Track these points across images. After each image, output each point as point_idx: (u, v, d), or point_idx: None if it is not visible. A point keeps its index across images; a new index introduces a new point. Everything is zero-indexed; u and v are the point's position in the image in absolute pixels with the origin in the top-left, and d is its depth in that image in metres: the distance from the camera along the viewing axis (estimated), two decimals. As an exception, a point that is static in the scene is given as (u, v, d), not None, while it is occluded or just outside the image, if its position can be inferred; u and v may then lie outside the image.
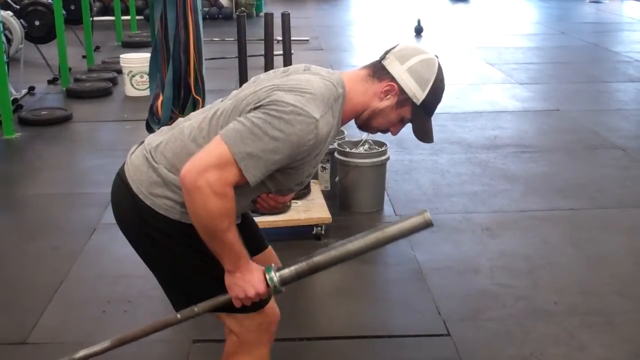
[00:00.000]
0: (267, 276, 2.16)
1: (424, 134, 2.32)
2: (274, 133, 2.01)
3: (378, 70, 2.22)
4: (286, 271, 2.19)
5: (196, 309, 2.21)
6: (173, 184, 2.15)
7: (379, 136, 4.94)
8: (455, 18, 13.95)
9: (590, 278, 3.94)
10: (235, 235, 2.08)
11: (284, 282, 2.19)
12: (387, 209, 4.82)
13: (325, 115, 2.09)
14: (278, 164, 2.06)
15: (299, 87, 2.09)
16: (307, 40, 11.09)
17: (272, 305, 2.36)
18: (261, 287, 2.15)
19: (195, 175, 1.98)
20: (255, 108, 2.06)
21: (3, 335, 3.40)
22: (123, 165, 2.28)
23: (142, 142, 2.31)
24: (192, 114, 2.35)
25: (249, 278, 2.14)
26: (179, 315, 2.24)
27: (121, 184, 2.25)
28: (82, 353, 2.36)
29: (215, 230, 2.04)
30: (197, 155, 2.03)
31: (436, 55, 2.27)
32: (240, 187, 2.09)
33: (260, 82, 2.23)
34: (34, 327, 3.46)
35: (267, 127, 2.01)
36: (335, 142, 4.83)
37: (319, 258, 2.21)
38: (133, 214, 2.22)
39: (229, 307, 2.27)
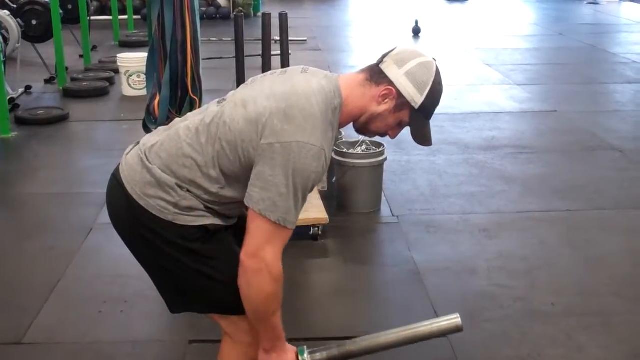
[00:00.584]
0: (300, 358, 2.26)
1: (423, 137, 2.31)
2: (296, 182, 2.05)
3: (376, 74, 2.21)
4: (317, 355, 2.29)
5: None
6: (167, 184, 2.14)
7: (376, 137, 4.93)
8: (453, 19, 13.95)
9: (587, 279, 3.94)
10: (279, 319, 2.18)
11: None
12: (385, 209, 4.81)
13: (327, 136, 2.11)
14: (305, 199, 2.13)
15: (298, 111, 2.07)
16: (305, 41, 11.07)
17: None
18: None
19: (254, 257, 2.06)
20: (263, 150, 2.06)
21: (-1, 335, 3.40)
22: (118, 165, 2.28)
23: (138, 142, 2.31)
24: (189, 114, 2.34)
25: (284, 359, 2.24)
26: None
27: (116, 184, 2.24)
28: None
29: (265, 313, 2.14)
30: (248, 239, 2.09)
31: (434, 58, 2.26)
32: (243, 189, 2.10)
33: (256, 85, 2.22)
34: (30, 326, 3.45)
35: (288, 181, 2.04)
36: (332, 142, 4.82)
37: (351, 347, 2.31)
38: (127, 215, 2.21)
39: (223, 309, 2.28)
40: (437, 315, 3.54)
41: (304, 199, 2.11)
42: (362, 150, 4.81)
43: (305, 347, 2.29)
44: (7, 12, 8.05)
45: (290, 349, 2.25)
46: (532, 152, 5.98)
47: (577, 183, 5.31)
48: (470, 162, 5.73)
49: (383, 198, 4.91)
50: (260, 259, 2.05)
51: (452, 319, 2.31)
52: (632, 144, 6.22)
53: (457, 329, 2.31)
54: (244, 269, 2.08)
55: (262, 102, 2.11)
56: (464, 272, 3.99)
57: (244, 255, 2.08)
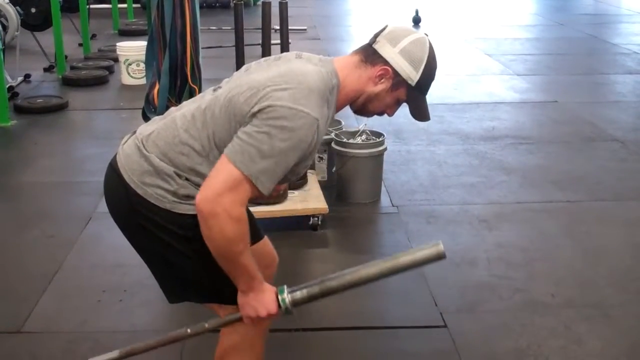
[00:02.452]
0: (280, 297, 2.17)
1: (420, 112, 2.30)
2: (281, 145, 2.00)
3: (370, 55, 2.20)
4: (298, 293, 2.20)
5: (207, 325, 2.23)
6: (165, 172, 2.13)
7: (376, 126, 4.92)
8: (453, 8, 13.91)
9: (587, 270, 3.94)
10: (249, 257, 2.09)
11: (296, 303, 2.20)
12: (384, 199, 4.80)
13: (323, 110, 2.08)
14: (288, 168, 2.07)
15: (294, 84, 2.06)
16: (305, 30, 11.05)
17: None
18: (273, 308, 2.16)
19: (211, 202, 1.98)
20: (254, 115, 2.03)
21: (-3, 324, 3.39)
22: (115, 155, 2.27)
23: (135, 132, 2.30)
24: (184, 102, 2.33)
25: (261, 298, 2.15)
26: (189, 330, 2.24)
27: (113, 174, 2.23)
28: None
29: (231, 254, 2.06)
30: (208, 181, 2.03)
31: (426, 34, 2.25)
32: None
33: (251, 71, 2.21)
34: (29, 316, 3.45)
35: (273, 141, 2.00)
36: (332, 132, 4.82)
37: (331, 282, 2.22)
38: (125, 204, 2.20)
39: (221, 298, 2.27)
40: (437, 306, 3.54)
41: (287, 167, 2.05)
42: (362, 140, 4.80)
43: (285, 286, 2.21)
44: (6, 0, 8.01)
45: (269, 288, 2.17)
46: (532, 143, 5.98)
47: (577, 174, 5.31)
48: (470, 152, 5.72)
49: (383, 188, 4.90)
50: (217, 202, 1.97)
51: (434, 246, 2.18)
52: (633, 134, 6.22)
53: (439, 256, 2.17)
54: (200, 212, 2.00)
55: (261, 76, 2.11)
56: (464, 263, 3.99)
57: (199, 198, 2.00)
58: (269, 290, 2.17)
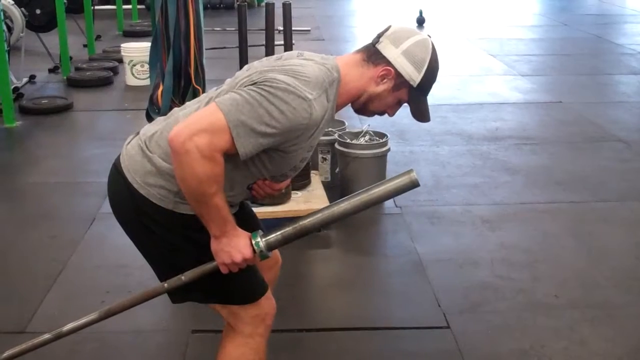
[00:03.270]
0: (253, 241, 2.15)
1: (421, 113, 2.30)
2: (269, 107, 1.99)
3: (373, 55, 2.21)
4: (272, 236, 2.18)
5: (183, 277, 2.21)
6: (167, 173, 2.14)
7: (379, 127, 4.92)
8: (457, 9, 13.91)
9: (590, 271, 3.93)
10: (222, 200, 2.06)
11: (271, 246, 2.18)
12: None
13: (320, 98, 2.07)
14: (270, 141, 2.04)
15: (293, 71, 2.07)
16: (309, 31, 11.06)
17: (268, 296, 2.35)
18: (247, 252, 2.14)
19: (184, 138, 1.95)
20: (252, 82, 2.05)
21: (2, 325, 3.40)
22: (119, 155, 2.27)
23: (138, 132, 2.30)
24: (188, 103, 2.34)
25: (235, 243, 2.12)
26: (166, 285, 2.24)
27: (116, 174, 2.24)
28: (70, 326, 2.36)
29: (203, 195, 2.02)
30: (188, 119, 2.02)
31: (429, 35, 2.26)
32: (235, 170, 2.10)
33: (253, 68, 2.22)
34: (33, 316, 3.46)
35: (262, 100, 2.00)
36: (335, 133, 4.82)
37: (305, 221, 2.20)
38: (128, 204, 2.21)
39: (223, 299, 2.27)
40: (440, 307, 3.54)
41: (268, 135, 2.01)
42: (366, 141, 4.80)
43: (259, 231, 2.20)
44: (11, 1, 8.03)
45: (243, 233, 2.15)
46: (536, 143, 5.97)
47: (581, 174, 5.30)
48: (473, 153, 5.72)
49: (386, 189, 4.89)
50: (190, 140, 1.94)
51: (407, 174, 2.18)
52: (637, 135, 6.21)
53: (412, 185, 2.17)
54: (172, 148, 1.98)
55: (258, 69, 2.13)
56: (467, 263, 3.99)
57: (173, 133, 1.98)
58: (242, 235, 2.15)
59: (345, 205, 2.21)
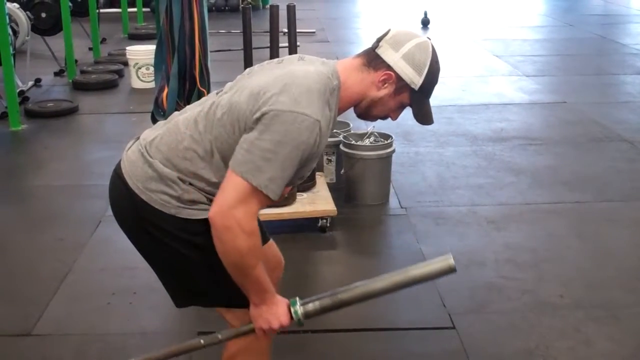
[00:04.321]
0: (292, 309, 2.20)
1: (424, 116, 2.29)
2: (284, 150, 2.01)
3: (373, 59, 2.21)
4: (310, 305, 2.22)
5: (220, 336, 2.26)
6: (168, 178, 2.14)
7: (384, 128, 4.93)
8: (462, 10, 13.90)
9: (596, 272, 3.93)
10: (262, 271, 2.11)
11: (308, 315, 2.22)
12: (393, 201, 4.81)
13: (324, 112, 2.08)
14: (293, 172, 2.08)
15: (294, 87, 2.06)
16: (313, 33, 11.07)
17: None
18: (285, 320, 2.18)
19: (223, 216, 2.00)
20: (257, 120, 2.04)
21: (8, 327, 3.41)
22: (120, 161, 2.27)
23: (138, 137, 2.30)
24: (188, 107, 2.34)
25: (274, 311, 2.17)
26: (202, 341, 2.27)
27: (118, 180, 2.24)
28: None
29: (245, 268, 2.08)
30: (219, 195, 2.05)
31: (428, 38, 2.26)
32: None
33: (254, 74, 2.22)
34: (39, 318, 3.47)
35: (277, 148, 2.01)
36: (340, 134, 4.83)
37: (343, 295, 2.24)
38: (130, 210, 2.21)
39: (227, 302, 2.28)
40: (445, 307, 3.54)
41: (292, 170, 2.06)
42: (370, 142, 4.81)
43: (297, 297, 2.23)
44: (16, 5, 8.07)
45: (282, 300, 2.19)
46: (540, 144, 5.97)
47: (586, 175, 5.30)
48: (478, 153, 5.72)
49: (391, 190, 4.91)
50: (230, 216, 1.99)
51: (445, 260, 2.21)
52: (642, 135, 6.21)
53: (450, 270, 2.21)
54: (214, 227, 2.02)
55: (261, 80, 2.12)
56: (472, 264, 3.99)
57: (212, 213, 2.02)
58: (281, 303, 2.19)
59: (384, 283, 2.26)
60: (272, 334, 2.23)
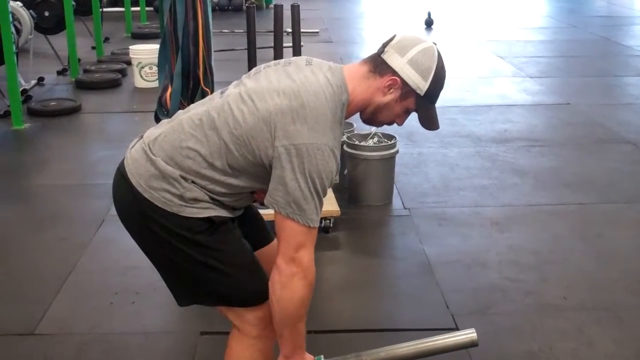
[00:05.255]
0: None
1: (430, 121, 2.30)
2: (318, 182, 2.07)
3: (379, 65, 2.21)
4: None
5: None
6: (171, 176, 2.14)
7: (388, 129, 4.92)
8: (466, 11, 13.90)
9: (599, 273, 3.92)
10: (304, 325, 2.20)
11: None
12: (396, 202, 4.80)
13: (336, 133, 2.12)
14: (324, 195, 2.15)
15: (308, 110, 2.07)
16: (317, 33, 11.06)
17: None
18: None
19: (291, 264, 2.10)
20: (278, 155, 2.07)
21: (11, 326, 3.41)
22: (123, 159, 2.27)
23: (142, 136, 2.30)
24: (192, 105, 2.34)
25: None
26: None
27: (121, 178, 2.24)
28: None
29: (294, 318, 2.16)
30: (282, 247, 2.12)
31: (434, 43, 2.25)
32: (243, 178, 2.13)
33: (260, 77, 2.21)
34: (42, 318, 3.47)
35: (309, 184, 2.06)
36: (344, 134, 4.82)
37: (367, 357, 2.35)
38: (133, 208, 2.21)
39: (230, 301, 2.29)
40: (448, 308, 3.54)
41: (323, 197, 2.13)
42: (374, 143, 4.80)
43: (322, 356, 2.32)
44: (19, 3, 8.06)
45: (309, 357, 2.28)
46: (544, 145, 5.96)
47: (589, 176, 5.29)
48: (482, 154, 5.72)
49: (395, 191, 4.91)
50: (298, 263, 2.09)
51: (469, 334, 2.37)
52: (645, 137, 6.20)
53: (472, 344, 2.36)
54: (281, 273, 2.11)
55: (271, 99, 2.10)
56: (475, 265, 3.99)
57: (281, 260, 2.11)
58: (308, 359, 2.28)
59: (408, 349, 2.38)
60: None
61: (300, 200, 2.06)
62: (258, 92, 2.13)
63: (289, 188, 2.06)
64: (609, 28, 12.00)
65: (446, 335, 2.43)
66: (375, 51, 2.26)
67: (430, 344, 2.37)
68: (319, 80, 2.14)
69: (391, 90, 2.20)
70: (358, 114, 2.29)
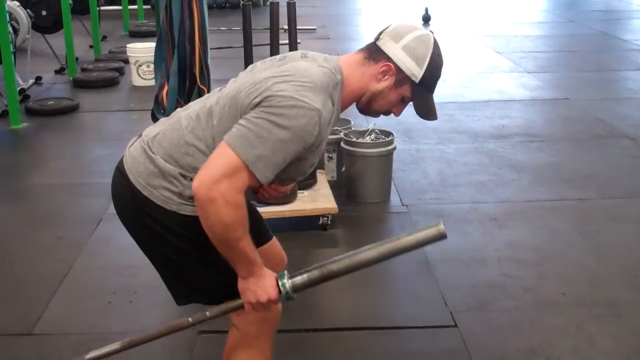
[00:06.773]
0: (280, 282, 2.16)
1: (427, 111, 2.27)
2: (280, 133, 1.99)
3: (373, 52, 2.20)
4: (298, 278, 2.18)
5: (208, 313, 2.23)
6: (170, 174, 2.13)
7: (385, 125, 4.91)
8: (463, 6, 13.88)
9: (598, 269, 3.92)
10: (248, 243, 2.07)
11: (296, 288, 2.18)
12: (394, 199, 4.80)
13: (326, 104, 2.06)
14: (288, 159, 2.04)
15: (297, 77, 2.05)
16: (314, 29, 11.05)
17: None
18: (273, 293, 2.14)
19: (207, 188, 1.96)
20: (256, 105, 2.03)
21: (8, 326, 3.41)
22: (122, 158, 2.27)
23: (141, 134, 2.30)
24: (190, 103, 2.33)
25: (262, 283, 2.13)
26: (190, 319, 2.25)
27: (120, 176, 2.23)
28: (92, 354, 2.37)
29: (230, 240, 2.03)
30: (205, 166, 2.01)
31: (431, 31, 2.24)
32: None
33: (256, 70, 2.21)
34: (40, 318, 3.46)
35: (271, 127, 1.98)
36: (341, 131, 4.81)
37: (332, 266, 2.20)
38: (132, 206, 2.20)
39: (225, 297, 2.28)
40: (447, 305, 3.53)
41: (286, 158, 2.03)
42: (372, 139, 4.79)
43: (285, 271, 2.20)
44: (17, 2, 8.05)
45: (270, 273, 2.16)
46: (542, 141, 5.96)
47: (588, 171, 5.28)
48: (480, 150, 5.71)
49: (392, 187, 4.90)
50: (214, 189, 1.95)
51: (435, 226, 2.18)
52: (644, 131, 6.19)
53: (440, 236, 2.17)
54: (197, 198, 1.99)
55: (262, 76, 2.10)
56: (474, 262, 3.98)
57: (196, 183, 1.98)
58: (269, 276, 2.15)
59: (373, 252, 2.21)
60: (261, 309, 2.18)
61: (255, 138, 1.98)
62: (251, 78, 2.13)
63: (250, 123, 2.00)
64: (607, 22, 11.99)
65: (412, 231, 2.22)
66: (372, 39, 2.24)
67: (396, 242, 2.18)
68: (312, 65, 2.14)
69: (386, 77, 2.18)
70: (354, 105, 2.28)
